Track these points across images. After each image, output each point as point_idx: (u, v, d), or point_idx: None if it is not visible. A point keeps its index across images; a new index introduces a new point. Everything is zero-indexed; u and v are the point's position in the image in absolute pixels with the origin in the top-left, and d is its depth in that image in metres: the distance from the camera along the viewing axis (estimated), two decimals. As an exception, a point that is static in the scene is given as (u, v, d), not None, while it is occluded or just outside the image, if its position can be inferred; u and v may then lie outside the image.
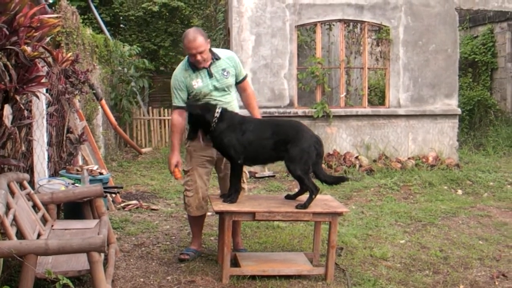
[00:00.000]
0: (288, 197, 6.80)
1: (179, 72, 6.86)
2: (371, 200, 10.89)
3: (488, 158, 15.33)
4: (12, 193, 5.45)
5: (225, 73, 6.77)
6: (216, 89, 6.72)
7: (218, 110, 6.47)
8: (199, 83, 6.70)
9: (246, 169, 7.08)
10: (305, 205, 6.28)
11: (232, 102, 6.86)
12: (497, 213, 9.85)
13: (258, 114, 7.13)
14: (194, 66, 6.72)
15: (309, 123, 13.79)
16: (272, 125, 6.63)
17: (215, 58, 6.78)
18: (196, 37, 6.54)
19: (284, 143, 6.35)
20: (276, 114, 13.65)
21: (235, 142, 6.37)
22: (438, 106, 14.40)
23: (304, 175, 6.32)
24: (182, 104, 6.81)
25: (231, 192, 6.58)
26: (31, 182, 6.87)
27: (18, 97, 5.37)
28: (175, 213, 9.55)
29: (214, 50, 6.87)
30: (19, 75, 5.22)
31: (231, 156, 6.47)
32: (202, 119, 6.45)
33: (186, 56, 6.85)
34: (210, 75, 6.71)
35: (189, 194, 6.95)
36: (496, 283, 6.46)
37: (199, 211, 6.96)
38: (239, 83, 7.02)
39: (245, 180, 7.00)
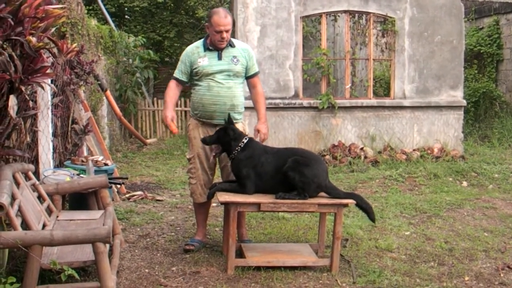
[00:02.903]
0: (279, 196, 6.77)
1: (190, 47, 7.09)
2: (376, 191, 10.88)
3: (493, 150, 15.29)
4: (17, 184, 5.45)
5: (234, 60, 6.89)
6: (221, 72, 6.80)
7: (245, 140, 6.55)
8: (205, 61, 6.84)
9: None
10: (283, 197, 6.27)
11: (234, 88, 6.89)
12: (502, 205, 9.83)
13: (264, 112, 7.17)
14: (208, 46, 6.89)
15: (314, 114, 13.82)
16: (291, 153, 6.62)
17: (231, 44, 6.93)
18: (228, 15, 6.77)
19: (299, 160, 6.34)
20: (281, 105, 13.64)
21: (252, 175, 6.41)
22: (443, 98, 14.37)
23: (301, 183, 6.26)
24: (181, 78, 7.07)
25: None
26: (36, 173, 6.88)
27: (23, 88, 5.36)
28: (180, 204, 9.56)
29: (232, 39, 6.98)
30: (24, 66, 5.21)
31: (245, 185, 6.46)
32: (228, 142, 6.54)
33: (203, 39, 7.03)
34: (220, 57, 6.85)
35: (193, 181, 7.07)
36: (501, 275, 6.46)
37: (202, 197, 7.04)
38: (250, 78, 7.12)
39: None
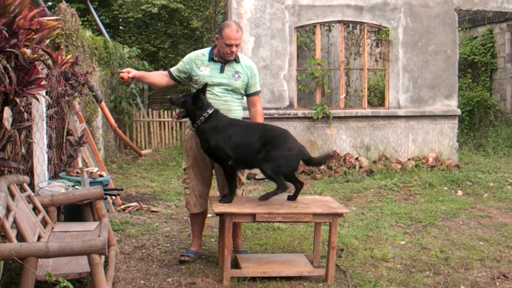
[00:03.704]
0: (289, 198, 6.78)
1: (196, 52, 7.09)
2: (371, 201, 10.88)
3: (488, 158, 15.31)
4: (12, 195, 5.45)
5: (236, 76, 6.86)
6: (219, 85, 6.77)
7: (209, 111, 6.50)
8: (206, 72, 6.83)
9: (241, 174, 7.09)
10: (266, 196, 6.40)
11: (230, 102, 6.86)
12: (497, 214, 9.85)
13: None
14: (214, 57, 6.88)
15: (308, 125, 13.84)
16: (260, 128, 6.68)
17: (236, 59, 6.91)
18: (239, 30, 6.81)
19: (268, 145, 6.39)
20: (276, 116, 13.66)
21: (222, 144, 6.39)
22: (438, 107, 14.41)
23: (275, 176, 6.36)
24: (174, 73, 7.08)
25: (226, 193, 6.65)
26: (31, 185, 6.88)
27: (18, 100, 5.37)
28: (175, 215, 9.55)
29: (238, 54, 6.98)
30: (19, 78, 5.22)
31: (220, 158, 6.49)
32: (193, 110, 6.50)
33: (212, 46, 7.02)
34: (222, 70, 6.83)
35: (187, 192, 7.09)
36: (497, 283, 6.46)
37: (196, 208, 7.06)
38: (250, 96, 7.08)
39: (239, 185, 6.97)
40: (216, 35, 6.89)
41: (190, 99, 6.50)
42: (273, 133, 6.55)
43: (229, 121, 6.60)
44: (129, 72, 6.86)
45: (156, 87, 7.41)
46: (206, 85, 6.57)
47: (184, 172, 7.17)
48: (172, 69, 7.09)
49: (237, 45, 6.76)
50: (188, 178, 7.04)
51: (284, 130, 6.75)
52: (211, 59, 6.87)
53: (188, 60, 6.97)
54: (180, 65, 7.03)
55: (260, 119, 7.11)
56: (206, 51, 7.00)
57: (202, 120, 6.44)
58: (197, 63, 6.88)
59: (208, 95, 6.71)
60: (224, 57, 6.81)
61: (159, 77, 7.20)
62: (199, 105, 6.47)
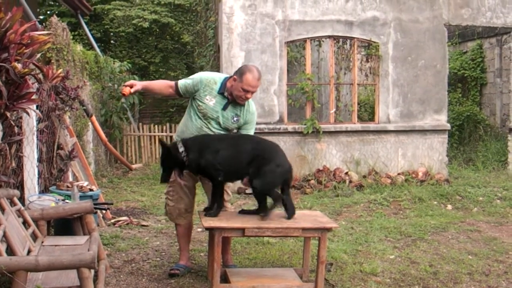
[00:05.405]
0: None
1: (211, 77, 6.85)
2: (361, 215, 10.90)
3: (477, 173, 15.34)
4: (2, 209, 5.45)
5: (235, 119, 6.77)
6: (217, 122, 6.72)
7: (180, 144, 6.47)
8: (211, 103, 6.69)
9: (229, 189, 7.11)
10: (266, 214, 6.39)
11: None
12: (486, 228, 9.88)
13: None
14: (223, 91, 6.71)
15: (299, 139, 13.86)
16: (251, 141, 6.63)
17: None
18: (260, 78, 6.65)
19: (260, 159, 6.37)
20: (266, 130, 13.66)
21: (212, 162, 6.37)
22: (428, 122, 14.45)
23: (267, 192, 6.38)
24: (180, 87, 6.83)
25: (213, 207, 6.66)
26: (22, 199, 6.87)
27: (8, 114, 5.38)
28: (165, 229, 9.54)
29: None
30: (9, 92, 5.24)
31: (211, 174, 6.50)
32: (175, 158, 6.48)
33: (225, 77, 6.83)
34: (225, 108, 6.71)
35: (170, 203, 7.09)
36: (485, 297, 6.50)
37: (180, 219, 7.08)
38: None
39: (226, 199, 6.99)
40: (235, 76, 6.64)
41: (167, 158, 6.56)
42: (265, 146, 6.55)
43: (213, 138, 6.62)
44: (131, 86, 6.71)
45: (156, 96, 7.30)
46: (174, 143, 6.59)
47: (168, 185, 7.15)
48: (180, 84, 6.85)
49: (253, 92, 6.63)
50: (172, 191, 7.03)
51: (274, 143, 6.77)
52: (220, 92, 6.70)
53: (198, 83, 6.75)
54: (189, 83, 6.80)
55: None
56: (219, 79, 6.78)
57: (185, 154, 6.42)
58: (206, 89, 6.71)
59: (204, 128, 6.72)
60: (235, 99, 6.66)
61: (163, 88, 7.01)
62: (173, 152, 6.45)
